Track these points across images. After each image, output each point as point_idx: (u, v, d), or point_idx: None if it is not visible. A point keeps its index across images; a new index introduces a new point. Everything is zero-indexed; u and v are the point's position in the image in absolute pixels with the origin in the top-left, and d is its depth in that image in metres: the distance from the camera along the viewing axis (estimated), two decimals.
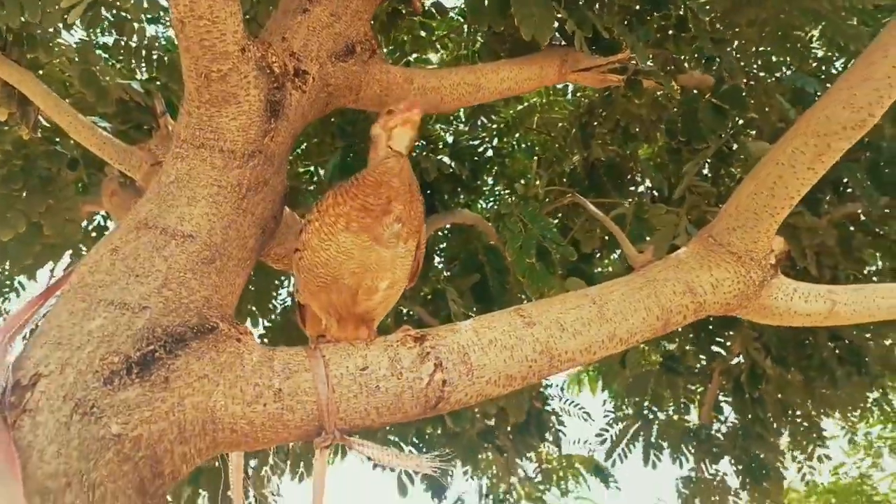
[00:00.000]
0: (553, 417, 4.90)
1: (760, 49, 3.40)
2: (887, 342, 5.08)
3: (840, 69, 3.31)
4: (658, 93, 3.12)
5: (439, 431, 4.57)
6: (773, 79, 3.45)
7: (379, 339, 1.54)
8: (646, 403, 5.40)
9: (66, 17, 2.42)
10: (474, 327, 1.58)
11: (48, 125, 2.86)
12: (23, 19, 2.29)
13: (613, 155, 3.35)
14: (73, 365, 1.24)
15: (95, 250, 1.48)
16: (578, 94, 4.62)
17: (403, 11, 2.77)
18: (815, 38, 3.27)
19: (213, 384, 1.33)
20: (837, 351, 4.85)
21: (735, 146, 2.82)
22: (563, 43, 2.43)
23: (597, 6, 2.50)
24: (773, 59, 3.46)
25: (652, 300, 1.74)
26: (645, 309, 1.72)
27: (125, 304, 1.35)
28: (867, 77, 1.65)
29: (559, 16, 2.17)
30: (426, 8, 2.94)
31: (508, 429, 4.49)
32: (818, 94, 3.43)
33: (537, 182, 2.33)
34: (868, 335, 4.85)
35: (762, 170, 1.79)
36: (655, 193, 2.91)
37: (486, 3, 2.20)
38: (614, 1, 2.62)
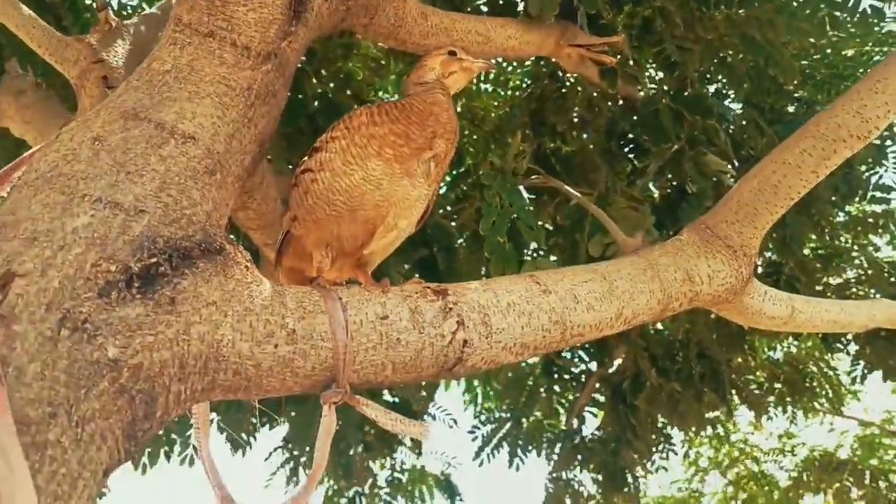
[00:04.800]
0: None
1: (700, 69, 3.53)
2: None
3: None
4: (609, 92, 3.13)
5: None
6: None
7: (395, 288, 1.37)
8: (517, 405, 5.42)
9: None
10: (492, 288, 1.45)
11: None
12: None
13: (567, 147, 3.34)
14: (56, 267, 0.96)
15: (69, 136, 1.18)
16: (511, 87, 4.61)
17: None
18: (750, 67, 3.44)
19: (221, 314, 1.10)
20: (701, 368, 5.19)
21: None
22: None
23: None
24: (709, 79, 3.62)
25: (656, 284, 1.69)
26: (649, 292, 1.67)
27: (117, 203, 1.08)
28: (880, 90, 1.71)
29: None
30: None
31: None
32: (734, 120, 3.64)
33: (518, 157, 2.23)
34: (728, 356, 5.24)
35: (767, 167, 1.81)
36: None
37: None
38: None
